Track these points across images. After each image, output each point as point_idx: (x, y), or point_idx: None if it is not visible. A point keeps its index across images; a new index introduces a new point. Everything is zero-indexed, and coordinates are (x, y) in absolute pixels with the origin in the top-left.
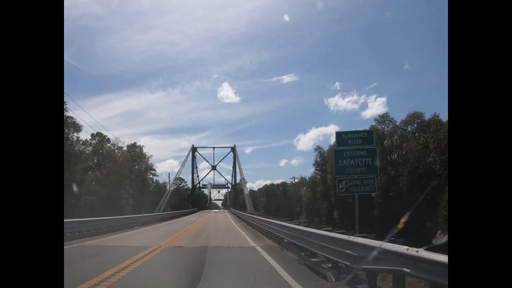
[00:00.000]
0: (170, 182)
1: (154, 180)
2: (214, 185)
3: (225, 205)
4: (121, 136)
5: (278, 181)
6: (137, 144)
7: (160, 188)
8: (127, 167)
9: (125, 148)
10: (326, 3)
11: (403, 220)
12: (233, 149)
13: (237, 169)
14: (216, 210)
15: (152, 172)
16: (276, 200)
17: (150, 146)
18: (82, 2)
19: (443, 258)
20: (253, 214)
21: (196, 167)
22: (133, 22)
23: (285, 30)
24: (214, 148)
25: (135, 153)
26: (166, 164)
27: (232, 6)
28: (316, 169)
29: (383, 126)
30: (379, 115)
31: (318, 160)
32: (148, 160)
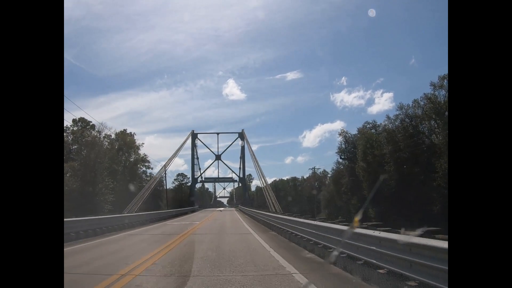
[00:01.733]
0: (165, 172)
1: (148, 174)
2: (218, 178)
3: (231, 202)
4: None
5: (286, 177)
6: (130, 133)
7: (156, 183)
8: (110, 156)
9: (113, 136)
10: (328, 0)
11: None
12: (241, 135)
13: (250, 159)
14: (222, 209)
15: (146, 164)
16: (285, 197)
17: (155, 145)
18: (85, 2)
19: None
20: (287, 216)
21: (197, 158)
22: (136, 22)
23: (288, 28)
24: (218, 134)
25: (124, 141)
26: (172, 163)
27: (235, 5)
28: (340, 158)
29: (444, 92)
30: (439, 76)
31: (343, 146)
32: (138, 148)
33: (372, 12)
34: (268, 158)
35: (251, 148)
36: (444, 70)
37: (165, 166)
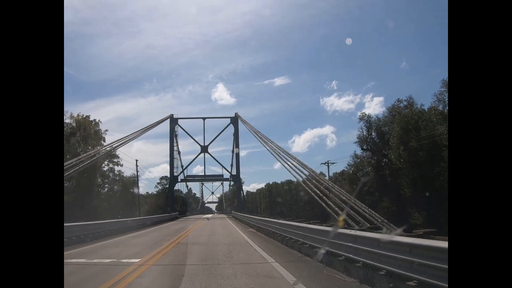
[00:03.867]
0: (137, 170)
1: (116, 172)
2: (205, 176)
3: (220, 208)
4: (113, 141)
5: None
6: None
7: (126, 184)
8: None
9: (73, 123)
10: (317, 5)
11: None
12: (235, 120)
13: (242, 163)
14: (210, 216)
15: (115, 161)
16: (281, 200)
17: (143, 151)
18: (73, 7)
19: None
20: None
21: (179, 152)
22: (124, 27)
23: (277, 33)
24: (204, 119)
25: (83, 128)
26: (160, 169)
27: (223, 10)
28: (362, 148)
29: None
30: None
31: (365, 134)
32: (101, 139)
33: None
34: (257, 164)
35: (253, 128)
36: (435, 73)
37: (137, 169)
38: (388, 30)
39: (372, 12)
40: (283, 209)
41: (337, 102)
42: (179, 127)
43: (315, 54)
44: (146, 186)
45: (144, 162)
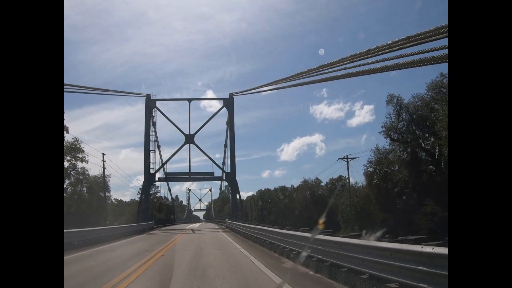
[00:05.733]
0: (104, 165)
1: (79, 169)
2: (191, 174)
3: (208, 217)
4: (101, 149)
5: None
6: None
7: (91, 183)
8: None
9: None
10: (305, 13)
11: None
12: (228, 103)
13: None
14: (196, 225)
15: (78, 156)
16: (274, 209)
17: (131, 158)
18: None
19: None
20: None
21: (159, 145)
22: (112, 34)
23: (264, 41)
24: (190, 101)
25: None
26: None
27: (211, 18)
28: (392, 139)
29: None
30: None
31: (393, 121)
32: (65, 128)
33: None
34: (244, 173)
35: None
36: (425, 83)
37: (103, 166)
38: (376, 38)
39: (359, 21)
40: (277, 217)
41: (327, 110)
42: (157, 111)
43: (303, 62)
44: (133, 195)
45: (132, 171)
